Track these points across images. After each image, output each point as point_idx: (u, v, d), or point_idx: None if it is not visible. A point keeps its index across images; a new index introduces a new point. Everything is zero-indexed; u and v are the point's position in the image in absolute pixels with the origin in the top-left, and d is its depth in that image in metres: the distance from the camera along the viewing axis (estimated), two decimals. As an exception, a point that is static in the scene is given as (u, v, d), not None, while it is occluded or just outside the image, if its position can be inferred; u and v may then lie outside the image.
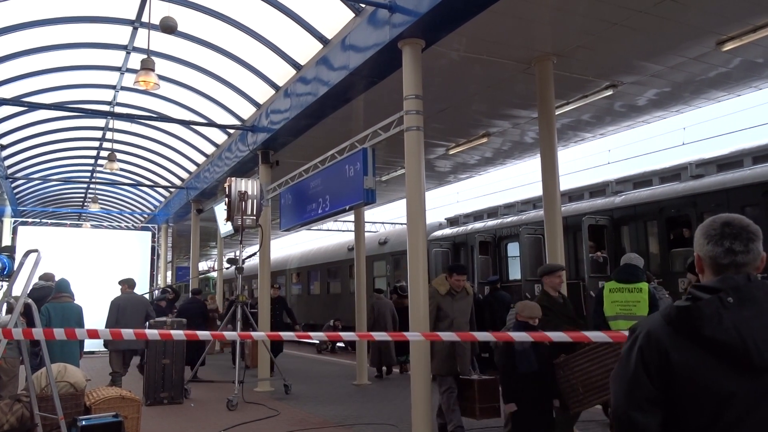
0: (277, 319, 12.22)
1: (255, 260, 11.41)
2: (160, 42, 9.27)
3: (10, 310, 5.63)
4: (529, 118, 10.38)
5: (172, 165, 16.46)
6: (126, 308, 9.30)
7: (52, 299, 8.00)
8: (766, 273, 1.86)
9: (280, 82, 9.95)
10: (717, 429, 1.53)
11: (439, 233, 15.42)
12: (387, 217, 32.32)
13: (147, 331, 8.62)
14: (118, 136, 14.62)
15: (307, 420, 7.68)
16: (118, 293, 9.82)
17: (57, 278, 8.74)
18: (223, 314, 15.19)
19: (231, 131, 12.63)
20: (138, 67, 8.59)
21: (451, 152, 12.58)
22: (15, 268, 5.69)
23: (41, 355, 5.73)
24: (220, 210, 13.14)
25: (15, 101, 11.27)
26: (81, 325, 8.10)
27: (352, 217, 14.79)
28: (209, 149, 14.30)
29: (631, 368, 1.63)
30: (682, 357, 1.57)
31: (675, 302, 1.68)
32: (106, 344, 9.45)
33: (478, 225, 14.38)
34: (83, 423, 5.48)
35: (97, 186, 19.62)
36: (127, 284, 9.73)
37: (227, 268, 10.29)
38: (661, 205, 10.21)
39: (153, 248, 21.03)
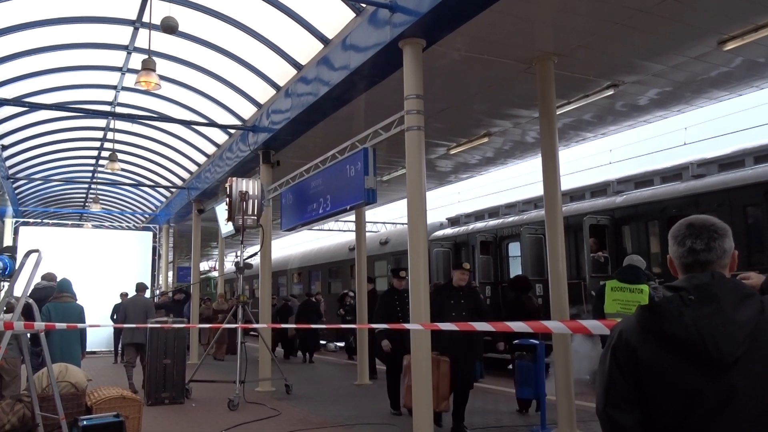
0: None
1: (255, 260, 11.36)
2: (161, 42, 9.27)
3: (10, 310, 5.63)
4: (530, 118, 10.37)
5: (173, 165, 16.46)
6: (131, 309, 10.82)
7: (53, 299, 8.01)
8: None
9: (281, 82, 9.95)
10: (690, 426, 1.55)
11: (440, 233, 15.41)
12: (388, 217, 32.34)
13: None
14: (119, 137, 14.62)
15: (308, 420, 7.68)
16: (122, 293, 12.85)
17: (58, 278, 8.76)
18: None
19: (232, 131, 12.63)
20: (139, 67, 8.59)
21: (452, 152, 12.57)
22: (16, 269, 5.69)
23: (42, 355, 5.74)
24: (221, 210, 13.13)
25: (16, 102, 11.27)
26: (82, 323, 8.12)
27: (353, 217, 14.79)
28: (210, 149, 14.30)
29: (606, 368, 1.69)
30: (648, 355, 1.61)
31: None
32: (123, 340, 11.50)
33: (480, 225, 14.37)
34: (84, 423, 5.48)
35: (99, 186, 19.62)
36: (136, 288, 11.50)
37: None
38: (663, 204, 10.20)
39: (154, 248, 21.04)
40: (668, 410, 1.58)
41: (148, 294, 11.91)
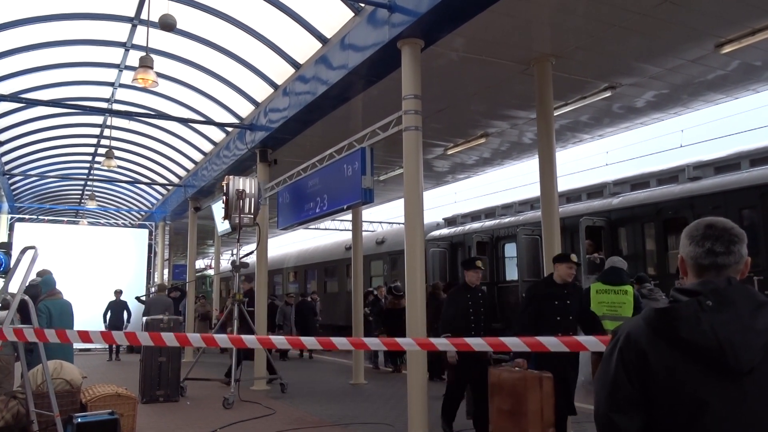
0: None
1: (251, 259, 11.36)
2: (159, 39, 9.25)
3: (6, 307, 5.61)
4: (528, 119, 10.39)
5: (170, 163, 16.43)
6: (153, 305, 12.90)
7: (49, 296, 7.94)
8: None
9: (279, 81, 9.94)
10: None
11: (436, 233, 15.43)
12: (385, 217, 32.37)
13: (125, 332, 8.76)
14: (115, 134, 14.58)
15: (303, 419, 7.67)
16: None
17: (45, 275, 8.59)
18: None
19: (229, 129, 12.61)
20: (136, 64, 8.57)
21: (450, 152, 12.58)
22: (11, 265, 5.67)
23: (36, 352, 5.72)
24: (218, 208, 13.10)
25: (13, 98, 11.23)
26: (73, 320, 8.03)
27: (349, 217, 14.78)
28: (207, 147, 14.28)
29: (611, 370, 1.63)
30: (659, 359, 1.56)
31: (655, 305, 1.69)
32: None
33: (476, 225, 14.39)
34: (79, 420, 5.47)
35: (95, 183, 19.57)
36: (158, 288, 14.28)
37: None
38: (659, 207, 10.24)
39: (150, 246, 20.99)
40: (674, 416, 1.55)
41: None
